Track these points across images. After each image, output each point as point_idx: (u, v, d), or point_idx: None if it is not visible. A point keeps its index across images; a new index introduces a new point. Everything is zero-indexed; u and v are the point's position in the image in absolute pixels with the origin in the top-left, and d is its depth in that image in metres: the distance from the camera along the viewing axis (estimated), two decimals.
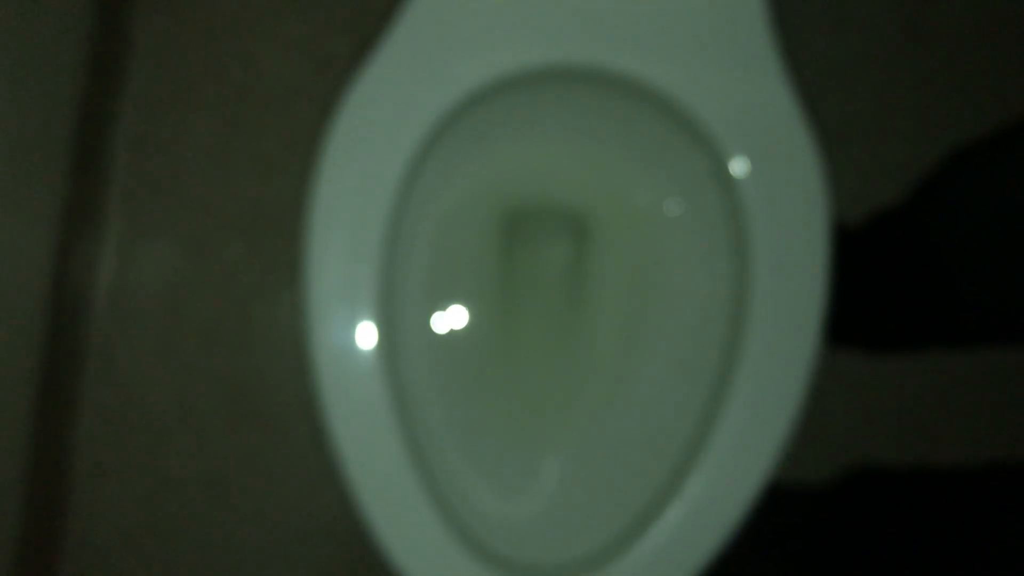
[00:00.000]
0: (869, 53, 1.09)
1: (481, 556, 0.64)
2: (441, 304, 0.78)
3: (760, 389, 0.66)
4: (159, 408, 1.04)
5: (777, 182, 0.68)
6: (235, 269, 1.05)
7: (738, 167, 0.68)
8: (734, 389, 0.66)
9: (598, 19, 0.68)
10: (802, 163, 0.68)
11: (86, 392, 1.04)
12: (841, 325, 0.95)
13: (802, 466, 1.04)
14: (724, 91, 0.68)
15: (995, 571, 0.77)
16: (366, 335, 0.65)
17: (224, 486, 1.04)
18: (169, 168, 1.05)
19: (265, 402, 1.05)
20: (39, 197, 0.94)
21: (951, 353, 0.99)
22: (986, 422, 1.07)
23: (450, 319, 0.78)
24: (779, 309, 0.67)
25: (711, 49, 0.68)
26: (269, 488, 1.04)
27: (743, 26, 0.68)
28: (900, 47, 1.09)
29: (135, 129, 1.05)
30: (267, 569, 1.04)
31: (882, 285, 0.88)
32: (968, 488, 0.88)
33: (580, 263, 0.81)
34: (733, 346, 0.67)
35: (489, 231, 0.80)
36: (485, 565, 0.64)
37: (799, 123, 0.68)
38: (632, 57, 0.68)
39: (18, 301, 0.92)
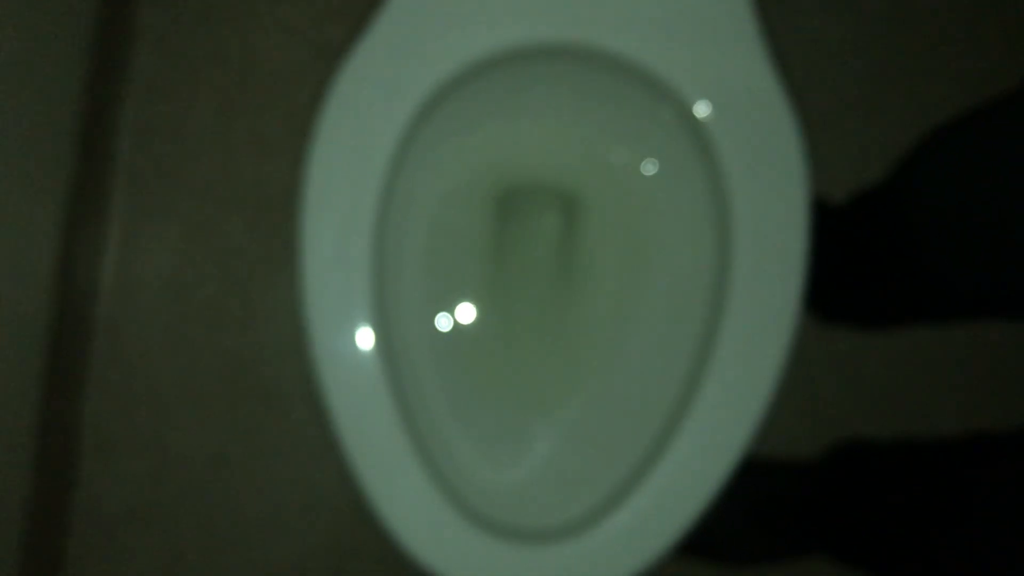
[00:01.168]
0: (857, 37, 1.10)
1: (470, 518, 0.66)
2: (437, 288, 0.79)
3: (742, 352, 0.67)
4: (164, 386, 1.06)
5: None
6: (237, 249, 1.07)
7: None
8: (717, 354, 0.67)
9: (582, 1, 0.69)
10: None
11: (93, 371, 1.06)
12: (830, 302, 0.97)
13: (793, 441, 1.06)
14: (696, 52, 0.70)
15: (981, 542, 0.78)
16: (363, 325, 0.67)
17: (227, 461, 1.06)
18: (172, 152, 1.07)
19: (267, 379, 1.07)
20: (46, 181, 0.95)
21: (938, 328, 1.00)
22: (973, 395, 1.09)
23: (446, 302, 0.80)
24: (761, 260, 0.68)
25: (689, 23, 0.70)
26: (271, 463, 1.06)
27: (725, 5, 0.69)
28: (887, 30, 1.10)
29: (139, 114, 1.07)
30: (270, 542, 1.06)
31: (869, 262, 0.89)
32: (955, 461, 0.89)
33: (570, 237, 0.83)
34: (717, 307, 0.68)
35: (480, 212, 0.81)
36: (473, 526, 0.65)
37: (768, 75, 0.69)
38: (611, 34, 0.69)
39: (26, 282, 0.94)
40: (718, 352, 0.67)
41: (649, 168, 0.79)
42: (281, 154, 1.06)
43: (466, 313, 0.80)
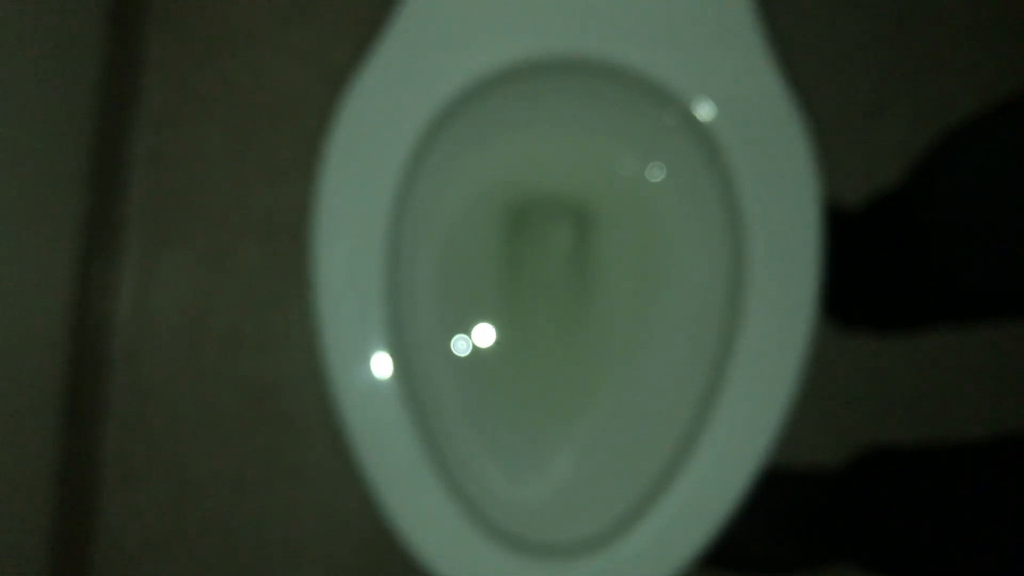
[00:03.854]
0: (864, 40, 1.10)
1: (492, 535, 0.65)
2: (452, 308, 0.79)
3: (760, 359, 0.67)
4: (183, 414, 1.06)
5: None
6: (252, 275, 1.07)
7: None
8: (734, 362, 0.67)
9: (580, 11, 0.69)
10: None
11: (112, 401, 1.06)
12: (848, 307, 0.96)
13: (815, 449, 1.05)
14: (698, 58, 0.69)
15: (1008, 549, 0.77)
16: (380, 352, 0.67)
17: (248, 487, 1.06)
18: (185, 180, 1.08)
19: (286, 404, 1.07)
20: (60, 213, 0.96)
21: (957, 330, 0.99)
22: (997, 398, 1.07)
23: (462, 323, 0.80)
24: (775, 265, 0.68)
25: (691, 29, 0.70)
26: (292, 488, 1.06)
27: (728, 11, 0.69)
28: (897, 31, 1.10)
29: (151, 144, 1.08)
30: (292, 567, 1.06)
31: (887, 266, 0.88)
32: (982, 466, 0.88)
33: (583, 250, 0.83)
34: (733, 314, 0.68)
35: (492, 230, 0.81)
36: (496, 543, 0.65)
37: (772, 78, 0.69)
38: (613, 43, 0.69)
39: (43, 315, 0.94)
40: (735, 360, 0.67)
41: (657, 175, 0.79)
42: (293, 178, 1.07)
43: (483, 333, 0.80)
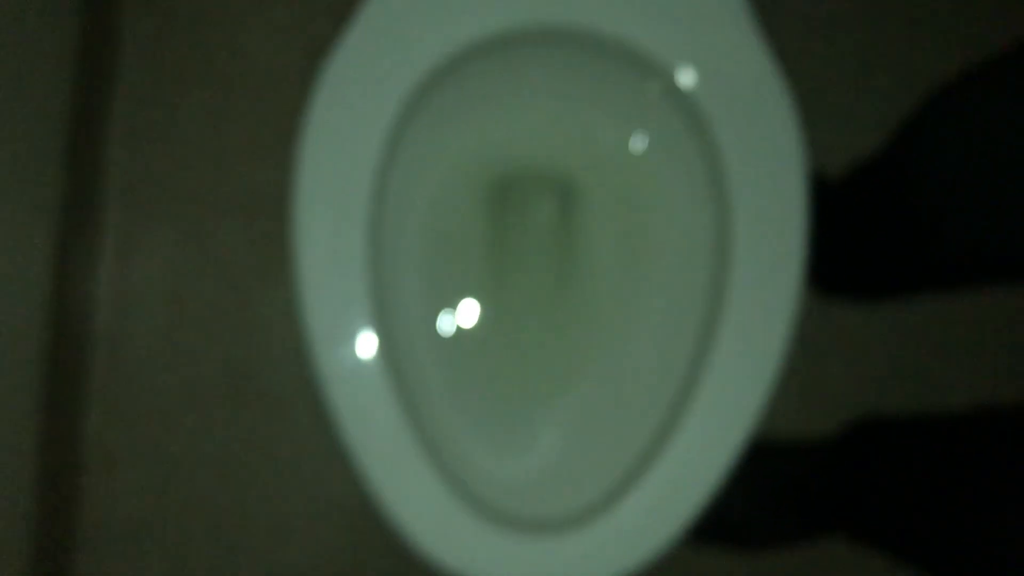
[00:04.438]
0: (845, 8, 1.09)
1: (480, 513, 0.65)
2: (436, 285, 0.79)
3: (746, 330, 0.66)
4: (165, 396, 1.06)
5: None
6: (233, 254, 1.06)
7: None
8: (720, 334, 0.66)
9: None
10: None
11: (93, 384, 1.05)
12: (831, 274, 0.96)
13: (803, 422, 1.05)
14: (680, 26, 0.68)
15: (1001, 516, 0.78)
16: (365, 331, 0.67)
17: (232, 468, 1.06)
18: (163, 159, 1.06)
19: (269, 383, 1.06)
20: (36, 195, 0.95)
21: (940, 297, 0.99)
22: (979, 369, 1.08)
23: (446, 299, 0.79)
24: (761, 235, 0.67)
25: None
26: (276, 468, 1.06)
27: None
28: (875, 1, 1.09)
29: (128, 123, 1.06)
30: (279, 547, 1.06)
31: (871, 232, 0.88)
32: (973, 435, 0.88)
33: (567, 223, 0.82)
34: (719, 286, 0.67)
35: (475, 205, 0.81)
36: (484, 521, 0.65)
37: (756, 46, 0.68)
38: (593, 12, 0.68)
39: (21, 298, 0.93)
40: (721, 332, 0.66)
41: (640, 145, 0.78)
42: (274, 156, 1.06)
43: (467, 310, 0.80)
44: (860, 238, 0.90)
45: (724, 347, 0.66)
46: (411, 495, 0.65)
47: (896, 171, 0.82)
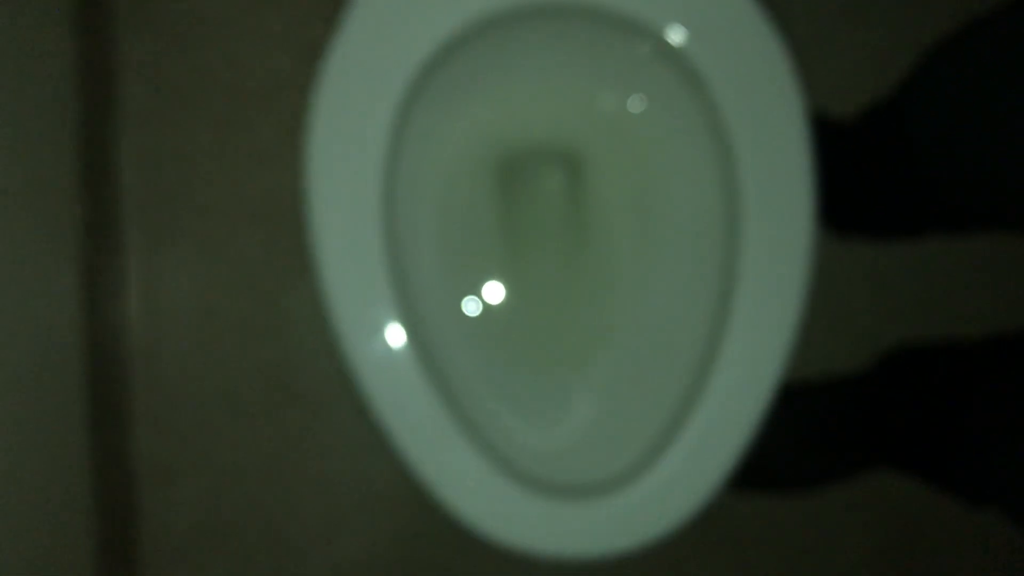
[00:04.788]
0: None
1: (524, 483, 0.67)
2: (455, 269, 0.80)
3: (764, 276, 0.67)
4: (207, 405, 1.08)
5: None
6: (255, 261, 1.08)
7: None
8: (739, 283, 0.67)
9: None
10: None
11: (136, 401, 1.07)
12: (843, 214, 0.97)
13: (830, 358, 1.06)
14: None
15: None
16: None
17: (280, 469, 1.08)
18: (175, 175, 1.08)
19: (305, 382, 1.08)
20: (58, 223, 0.96)
21: (949, 239, 0.99)
22: (998, 298, 1.08)
23: (468, 283, 0.81)
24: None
25: None
26: (323, 464, 1.08)
27: None
28: None
29: (137, 145, 1.08)
30: (334, 540, 1.08)
31: (878, 176, 0.89)
32: (1007, 358, 0.89)
33: (578, 193, 0.83)
34: (733, 236, 0.68)
35: (485, 186, 0.82)
36: (528, 490, 0.66)
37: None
38: None
39: (54, 328, 0.95)
40: (740, 281, 0.67)
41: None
42: (282, 161, 1.07)
43: (489, 289, 0.81)
44: (867, 181, 0.90)
45: (745, 295, 0.67)
46: (455, 474, 0.67)
47: (901, 118, 0.82)
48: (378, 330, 0.68)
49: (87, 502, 0.97)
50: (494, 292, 0.81)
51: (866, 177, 0.91)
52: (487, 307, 0.81)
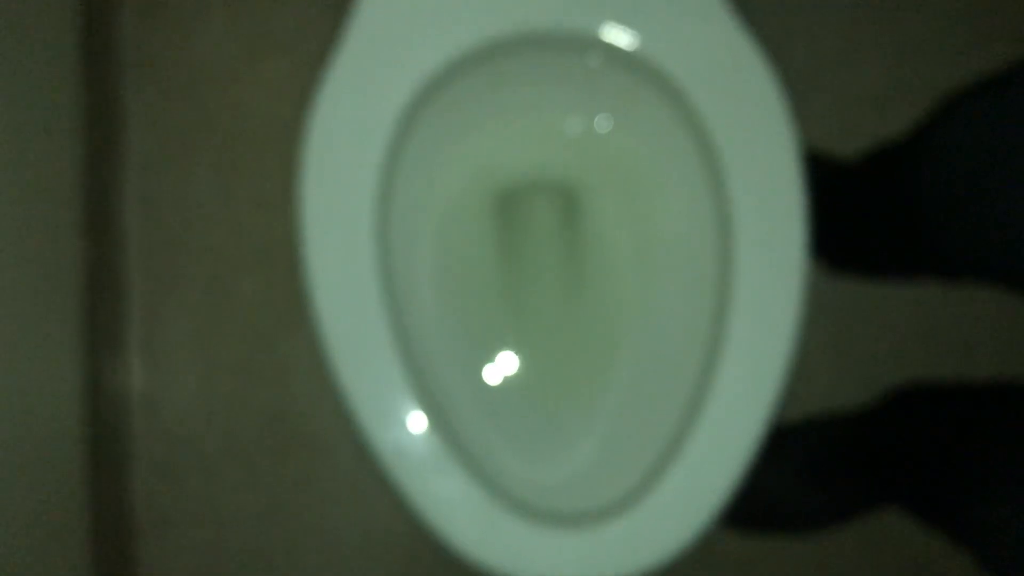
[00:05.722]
0: None
1: (522, 513, 0.67)
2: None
3: (757, 303, 0.66)
4: (207, 451, 1.08)
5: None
6: (257, 306, 1.08)
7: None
8: (732, 315, 0.67)
9: None
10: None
11: (135, 448, 1.07)
12: (839, 250, 0.97)
13: (835, 396, 1.05)
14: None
15: None
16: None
17: (280, 515, 1.07)
18: (178, 221, 1.09)
19: (305, 427, 1.08)
20: (61, 269, 0.97)
21: (942, 285, 0.99)
22: (1004, 339, 1.08)
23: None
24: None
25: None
26: (324, 509, 1.07)
27: None
28: None
29: (140, 191, 1.09)
30: None
31: (877, 219, 0.88)
32: (1011, 398, 0.88)
33: (575, 225, 0.83)
34: (725, 262, 0.68)
35: (483, 229, 0.82)
36: (527, 521, 0.66)
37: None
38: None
39: (56, 371, 0.95)
40: (733, 310, 0.67)
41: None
42: (283, 207, 1.07)
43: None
44: (866, 221, 0.90)
45: (737, 325, 0.67)
46: (451, 504, 0.67)
47: (907, 166, 0.82)
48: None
49: (85, 549, 0.97)
50: (500, 354, 0.81)
51: (864, 217, 0.90)
52: (501, 376, 0.81)
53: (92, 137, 1.02)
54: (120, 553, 1.04)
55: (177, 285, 1.08)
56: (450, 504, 0.66)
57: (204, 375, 1.08)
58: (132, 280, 1.08)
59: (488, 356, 0.81)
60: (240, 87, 1.10)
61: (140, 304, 1.08)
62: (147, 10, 1.09)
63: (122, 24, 1.09)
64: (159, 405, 1.08)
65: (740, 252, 0.67)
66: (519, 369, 0.82)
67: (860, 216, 0.91)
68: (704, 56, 0.68)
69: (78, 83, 1.02)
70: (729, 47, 0.68)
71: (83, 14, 1.02)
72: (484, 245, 0.82)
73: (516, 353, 0.82)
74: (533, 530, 0.66)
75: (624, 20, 0.68)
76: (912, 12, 1.08)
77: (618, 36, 0.68)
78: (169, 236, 1.09)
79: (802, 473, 0.98)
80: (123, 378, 1.07)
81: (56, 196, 0.98)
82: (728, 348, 0.67)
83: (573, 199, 0.82)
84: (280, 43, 1.09)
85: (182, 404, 1.08)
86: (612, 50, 0.69)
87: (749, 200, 0.67)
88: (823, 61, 1.08)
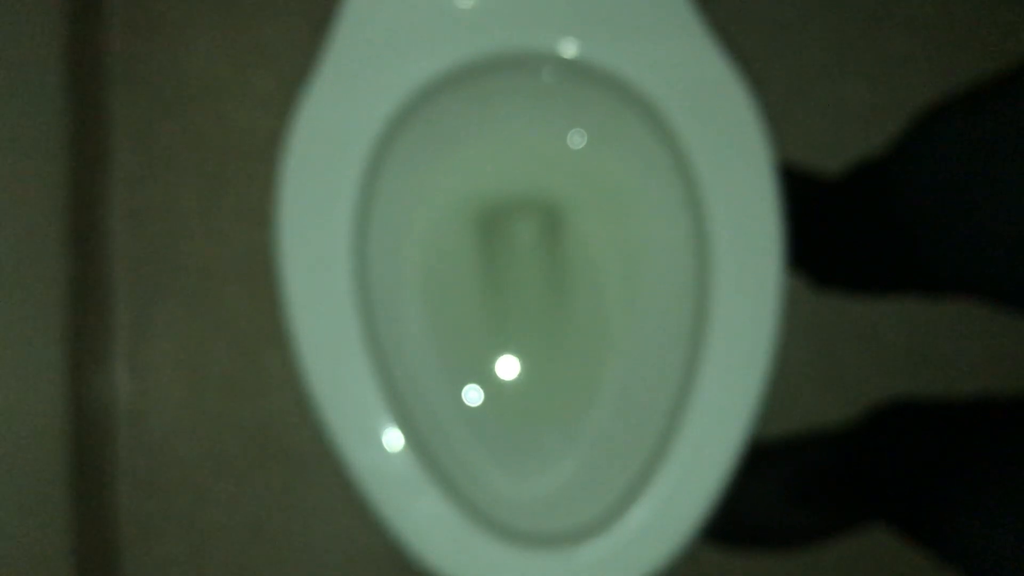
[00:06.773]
0: (810, 7, 1.10)
1: (498, 533, 0.66)
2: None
3: (734, 321, 0.66)
4: (192, 464, 1.07)
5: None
6: (241, 320, 1.08)
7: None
8: (709, 335, 0.67)
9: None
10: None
11: (119, 460, 1.07)
12: (823, 266, 0.97)
13: (822, 414, 1.05)
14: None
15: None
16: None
17: (265, 528, 1.07)
18: (164, 234, 1.09)
19: (289, 442, 1.08)
20: (47, 282, 0.97)
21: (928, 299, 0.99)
22: (997, 350, 1.08)
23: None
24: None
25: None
26: (307, 524, 1.07)
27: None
28: None
29: (127, 204, 1.09)
30: None
31: (859, 234, 0.88)
32: (1003, 417, 0.88)
33: (557, 240, 0.83)
34: (703, 275, 0.68)
35: (465, 250, 0.82)
36: (495, 537, 0.66)
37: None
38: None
39: (40, 384, 0.95)
40: (710, 328, 0.67)
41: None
42: (268, 220, 1.07)
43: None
44: (849, 236, 0.90)
45: (714, 342, 0.67)
46: (427, 524, 0.66)
47: (888, 181, 0.82)
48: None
49: (69, 563, 0.96)
50: (485, 371, 0.81)
51: (848, 233, 0.91)
52: (482, 390, 0.80)
53: (79, 150, 1.03)
54: (104, 567, 1.04)
55: (163, 298, 1.09)
56: (426, 524, 0.66)
57: (189, 388, 1.08)
58: (118, 293, 1.08)
59: (472, 373, 0.81)
60: (227, 102, 1.10)
61: (126, 317, 1.08)
62: (135, 25, 1.10)
63: (110, 39, 1.09)
64: (144, 418, 1.07)
65: (717, 267, 0.67)
66: (503, 386, 0.81)
67: (844, 232, 0.91)
68: (676, 72, 0.68)
69: (65, 97, 1.02)
70: (702, 63, 0.68)
71: (71, 28, 1.02)
72: (467, 262, 0.82)
73: (500, 370, 0.82)
74: (509, 551, 0.66)
75: (592, 37, 0.69)
76: (896, 29, 1.09)
77: (587, 53, 0.68)
78: (155, 249, 1.09)
79: (787, 490, 0.98)
80: (108, 391, 1.07)
81: (43, 209, 0.98)
82: (705, 364, 0.66)
83: (555, 215, 0.82)
84: (267, 58, 1.10)
85: (167, 417, 1.08)
86: (581, 67, 0.69)
87: (725, 215, 0.67)
88: (808, 77, 1.09)
